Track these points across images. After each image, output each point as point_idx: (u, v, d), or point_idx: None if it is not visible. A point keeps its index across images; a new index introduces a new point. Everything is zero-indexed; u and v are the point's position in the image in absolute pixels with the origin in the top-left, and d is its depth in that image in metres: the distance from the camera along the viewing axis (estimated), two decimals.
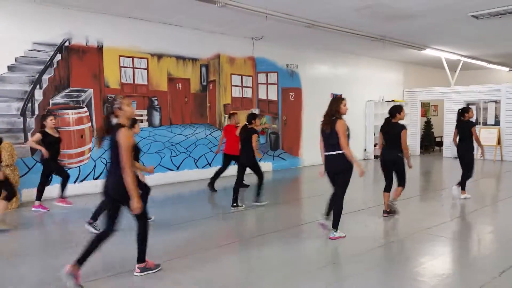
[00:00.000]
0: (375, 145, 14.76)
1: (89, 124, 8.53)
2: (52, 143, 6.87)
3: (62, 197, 7.17)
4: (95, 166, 8.57)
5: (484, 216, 6.78)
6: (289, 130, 12.41)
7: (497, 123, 14.12)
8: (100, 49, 8.62)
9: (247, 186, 8.74)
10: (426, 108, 18.21)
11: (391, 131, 6.38)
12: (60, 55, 8.11)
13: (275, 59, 11.90)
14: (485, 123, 14.45)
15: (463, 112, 7.77)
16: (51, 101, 8.03)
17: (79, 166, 8.42)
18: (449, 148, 15.13)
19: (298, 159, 12.67)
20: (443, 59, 14.43)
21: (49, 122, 6.86)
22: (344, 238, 5.32)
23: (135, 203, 3.84)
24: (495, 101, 14.16)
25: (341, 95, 13.25)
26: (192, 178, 10.06)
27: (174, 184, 9.60)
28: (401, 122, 6.42)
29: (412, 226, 5.93)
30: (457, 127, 7.82)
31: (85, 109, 8.48)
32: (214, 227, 6.15)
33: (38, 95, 7.89)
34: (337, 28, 9.80)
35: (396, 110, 6.40)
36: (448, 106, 15.32)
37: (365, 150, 14.92)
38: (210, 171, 10.38)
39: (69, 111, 8.27)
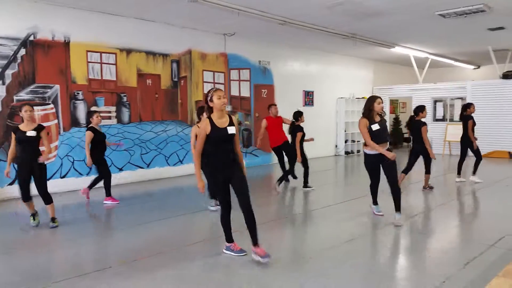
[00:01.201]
0: (345, 141, 14.96)
1: (56, 121, 8.28)
2: (101, 140, 7.09)
3: (108, 195, 7.35)
4: (62, 164, 8.33)
5: (450, 209, 6.96)
6: None
7: None
8: (67, 43, 8.37)
9: (296, 177, 9.00)
10: (394, 105, 18.57)
11: (414, 127, 7.66)
12: (24, 49, 7.83)
13: (247, 55, 11.87)
14: (451, 120, 14.86)
15: (466, 107, 8.68)
16: (15, 98, 7.75)
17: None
18: None
19: (271, 155, 12.66)
20: (412, 57, 14.75)
21: (95, 119, 6.99)
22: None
23: (198, 183, 4.40)
24: (461, 98, 14.57)
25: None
26: (163, 176, 9.94)
27: (144, 182, 9.47)
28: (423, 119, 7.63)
29: (380, 220, 6.03)
30: (460, 119, 8.87)
31: (51, 105, 8.23)
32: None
33: (1, 91, 7.61)
34: (309, 26, 9.86)
35: (419, 109, 7.66)
36: (416, 103, 15.64)
37: (336, 146, 15.09)
38: (181, 169, 10.36)
39: (35, 108, 7.99)
